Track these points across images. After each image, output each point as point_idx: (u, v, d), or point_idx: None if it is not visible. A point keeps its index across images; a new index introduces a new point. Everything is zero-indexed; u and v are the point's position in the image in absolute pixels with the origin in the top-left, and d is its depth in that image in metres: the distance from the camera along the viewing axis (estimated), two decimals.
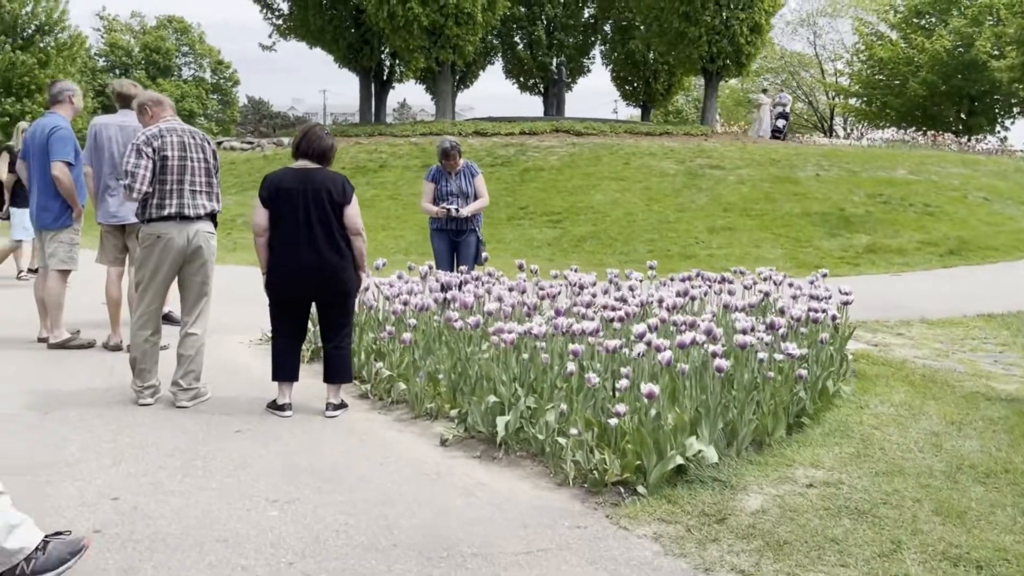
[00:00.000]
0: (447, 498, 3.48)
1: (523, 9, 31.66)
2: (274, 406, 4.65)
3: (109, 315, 6.02)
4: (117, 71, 65.53)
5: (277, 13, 25.03)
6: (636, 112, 39.51)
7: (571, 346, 4.11)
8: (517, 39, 34.13)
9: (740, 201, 14.32)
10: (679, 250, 12.08)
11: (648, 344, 4.09)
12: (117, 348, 5.96)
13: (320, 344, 5.10)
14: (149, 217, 4.69)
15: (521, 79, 34.42)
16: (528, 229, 13.38)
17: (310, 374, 5.18)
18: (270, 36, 25.33)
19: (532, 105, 38.90)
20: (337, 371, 4.68)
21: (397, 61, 27.66)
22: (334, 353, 4.66)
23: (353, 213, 4.59)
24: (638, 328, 4.19)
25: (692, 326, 4.45)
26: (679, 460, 3.59)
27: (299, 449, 4.06)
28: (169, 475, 3.64)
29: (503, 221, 13.56)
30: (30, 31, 34.12)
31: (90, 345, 6.06)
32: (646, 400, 3.65)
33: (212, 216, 4.85)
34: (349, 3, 23.59)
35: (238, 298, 7.27)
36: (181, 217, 4.65)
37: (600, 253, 12.04)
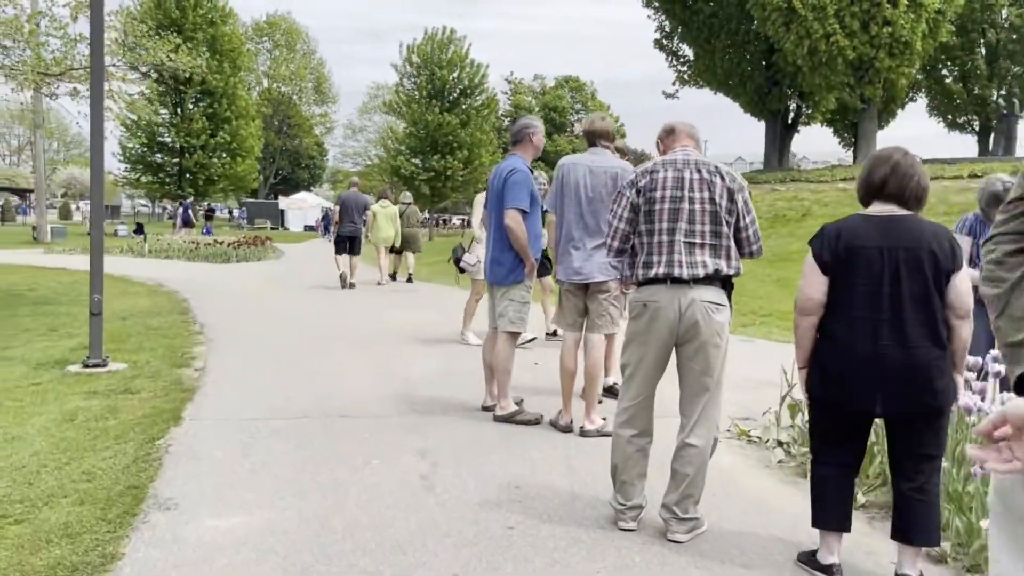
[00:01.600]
0: None
1: (956, 39, 27.36)
2: (815, 565, 3.12)
3: (562, 388, 5.07)
4: None
5: (682, 60, 24.55)
6: None
7: None
8: (944, 71, 29.72)
9: None
10: None
11: None
12: (567, 429, 4.98)
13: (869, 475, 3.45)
14: (636, 280, 3.56)
15: (949, 116, 29.84)
16: None
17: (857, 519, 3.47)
18: (673, 84, 24.90)
19: (955, 145, 33.63)
20: (920, 527, 2.95)
21: (804, 103, 25.50)
22: (916, 499, 2.94)
23: (964, 288, 2.97)
24: None
25: None
26: None
27: None
28: None
29: None
30: (455, 95, 38.22)
31: (536, 421, 5.18)
32: None
33: (723, 279, 3.55)
34: (760, 45, 22.19)
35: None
36: (671, 280, 3.41)
37: None
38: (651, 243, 3.48)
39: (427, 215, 55.69)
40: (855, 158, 22.74)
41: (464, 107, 38.12)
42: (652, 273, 3.44)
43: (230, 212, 75.80)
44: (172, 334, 8.35)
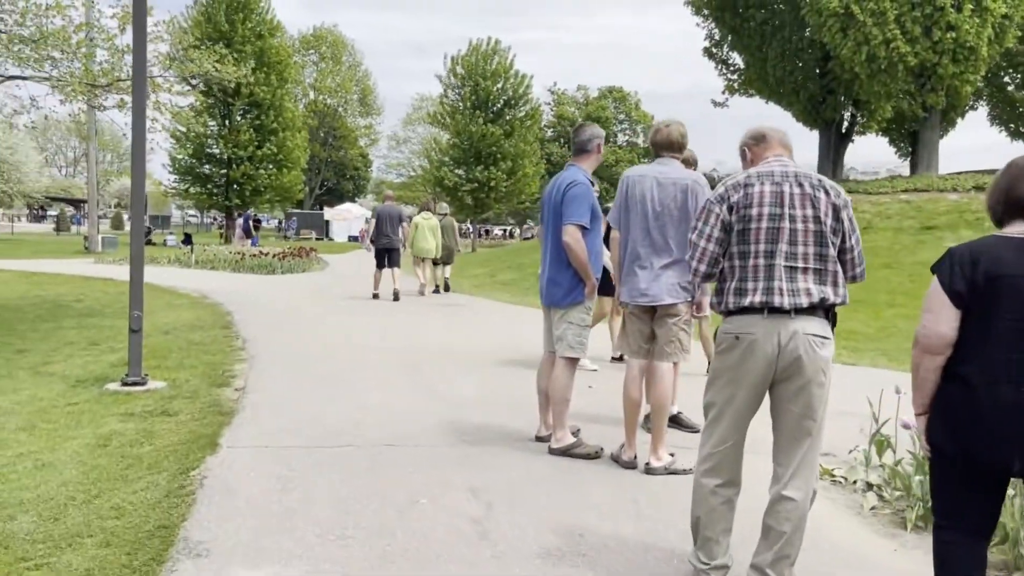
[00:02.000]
0: None
1: (1020, 45, 26.30)
2: None
3: (625, 420, 4.65)
4: (561, 140, 71.64)
5: (732, 68, 23.94)
6: None
7: None
8: (1007, 79, 28.63)
9: None
10: None
11: None
12: (631, 465, 4.56)
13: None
14: (726, 308, 3.13)
15: (1012, 125, 28.72)
16: None
17: None
18: (723, 93, 24.27)
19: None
20: None
21: (859, 112, 24.67)
22: None
23: None
24: None
25: None
26: None
27: None
28: None
29: None
30: (499, 106, 38.05)
31: (596, 455, 4.76)
32: None
33: (826, 309, 3.07)
34: (814, 52, 21.51)
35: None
36: (770, 309, 2.97)
37: None
38: (744, 267, 3.05)
39: (470, 226, 55.81)
40: (913, 168, 21.87)
41: (508, 118, 37.95)
42: (746, 301, 3.02)
43: (279, 223, 76.88)
44: (213, 350, 8.13)
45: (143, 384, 6.34)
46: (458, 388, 6.63)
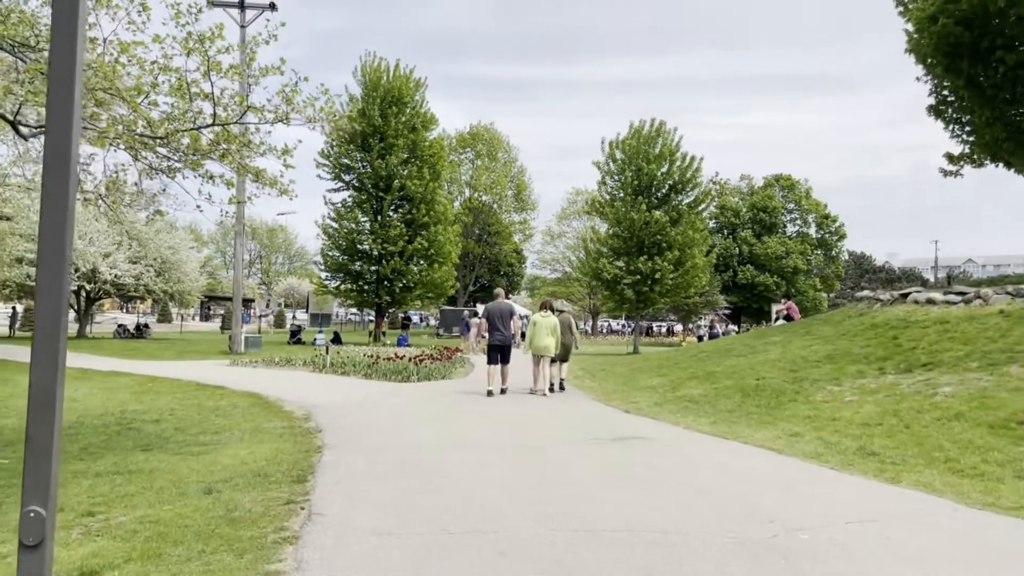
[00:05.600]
0: None
1: None
2: None
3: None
4: (725, 232, 67.09)
5: (966, 129, 19.24)
6: None
7: None
8: None
9: None
10: None
11: None
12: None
13: None
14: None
15: None
16: None
17: None
18: (959, 160, 19.39)
19: None
20: None
21: None
22: None
23: None
24: None
25: None
26: None
27: None
28: None
29: None
30: (664, 191, 34.63)
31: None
32: None
33: None
34: None
35: None
36: None
37: None
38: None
39: (613, 322, 51.51)
40: None
41: (675, 204, 34.36)
42: None
43: (431, 321, 76.24)
44: (246, 537, 4.84)
45: None
46: None
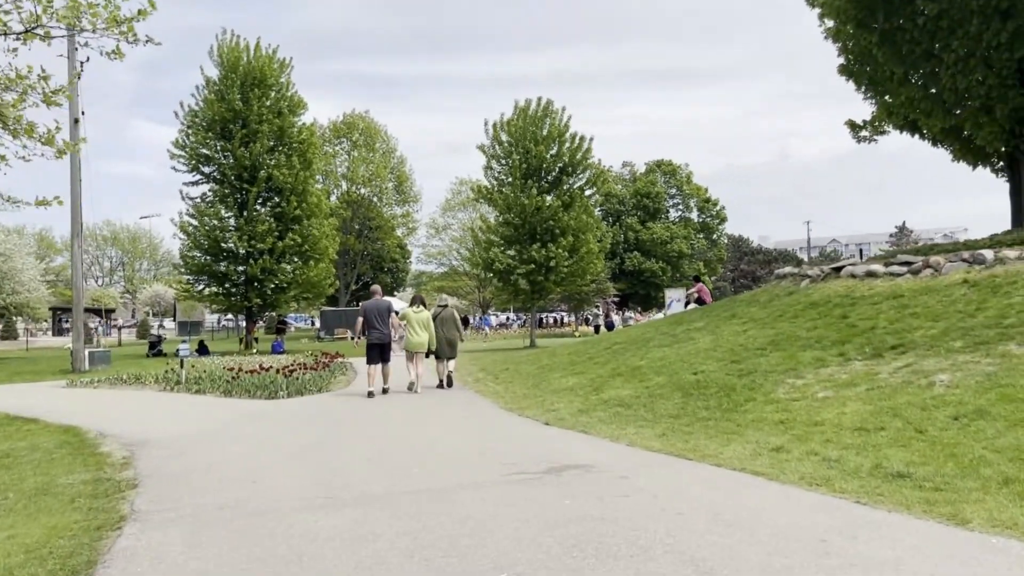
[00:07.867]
0: None
1: None
2: None
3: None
4: (610, 219, 66.43)
5: (877, 89, 18.10)
6: None
7: None
8: None
9: None
10: None
11: None
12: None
13: None
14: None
15: None
16: None
17: None
18: (864, 124, 18.30)
19: None
20: None
21: None
22: None
23: None
24: None
25: None
26: None
27: None
28: None
29: None
30: (554, 173, 32.78)
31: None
32: None
33: None
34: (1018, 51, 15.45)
35: None
36: None
37: None
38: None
39: (514, 315, 49.72)
40: None
41: (566, 187, 32.55)
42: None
43: (314, 322, 71.96)
44: None
45: None
46: None
